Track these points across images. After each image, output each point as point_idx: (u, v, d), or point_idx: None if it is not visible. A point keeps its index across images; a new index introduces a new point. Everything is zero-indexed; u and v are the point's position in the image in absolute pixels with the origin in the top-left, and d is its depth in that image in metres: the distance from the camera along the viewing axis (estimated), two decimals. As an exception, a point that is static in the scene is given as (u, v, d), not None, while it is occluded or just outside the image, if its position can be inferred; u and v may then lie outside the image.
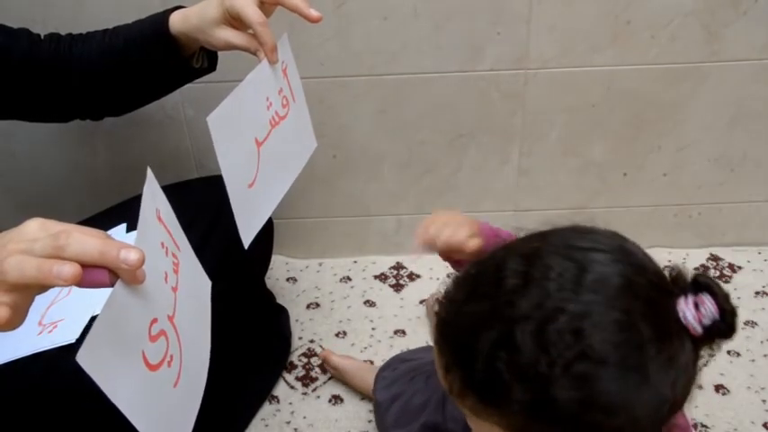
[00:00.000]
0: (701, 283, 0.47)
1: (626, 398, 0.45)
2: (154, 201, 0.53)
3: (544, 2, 1.06)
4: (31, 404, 0.75)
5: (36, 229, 0.48)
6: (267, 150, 0.77)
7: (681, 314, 0.46)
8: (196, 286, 0.63)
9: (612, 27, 1.08)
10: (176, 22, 0.78)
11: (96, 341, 0.44)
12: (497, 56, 1.11)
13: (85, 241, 0.45)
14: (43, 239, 0.46)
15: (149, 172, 0.53)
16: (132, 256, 0.45)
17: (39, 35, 0.84)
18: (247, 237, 0.76)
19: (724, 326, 0.46)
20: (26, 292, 0.46)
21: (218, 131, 0.67)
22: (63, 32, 0.85)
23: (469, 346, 0.48)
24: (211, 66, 0.85)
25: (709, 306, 0.46)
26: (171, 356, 0.54)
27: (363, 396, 1.04)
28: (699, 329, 0.46)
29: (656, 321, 0.46)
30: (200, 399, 0.64)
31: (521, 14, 1.07)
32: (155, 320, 0.51)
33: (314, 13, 0.77)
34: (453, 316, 0.52)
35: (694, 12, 1.06)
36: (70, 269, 0.44)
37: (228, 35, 0.76)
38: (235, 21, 0.75)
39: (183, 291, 0.57)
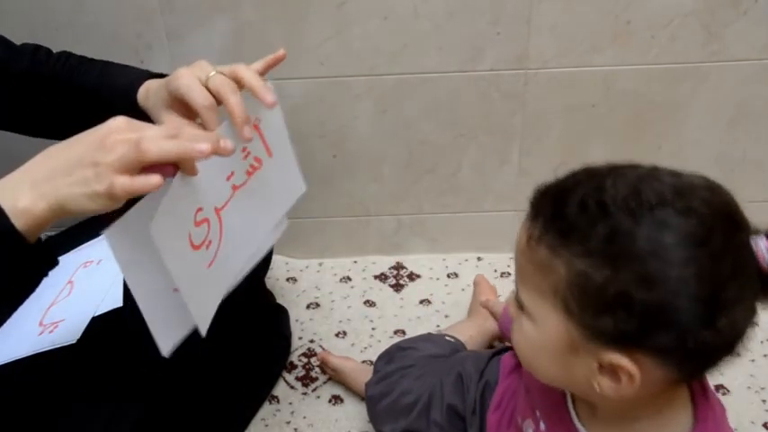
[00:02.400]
0: None
1: (686, 273, 0.48)
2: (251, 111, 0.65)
3: (544, 2, 1.06)
4: (32, 404, 0.76)
5: (127, 124, 0.56)
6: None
7: (754, 245, 0.51)
8: (273, 190, 0.75)
9: (612, 27, 1.08)
10: (141, 96, 0.75)
11: (162, 219, 0.54)
12: (497, 56, 1.11)
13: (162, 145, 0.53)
14: (153, 129, 0.55)
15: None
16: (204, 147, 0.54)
17: (48, 51, 0.84)
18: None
19: None
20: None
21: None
22: (63, 36, 0.85)
23: (568, 189, 0.53)
24: None
25: None
26: (210, 241, 0.63)
27: (363, 397, 1.04)
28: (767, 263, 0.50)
29: (733, 238, 0.51)
30: (229, 286, 0.71)
31: (521, 14, 1.07)
32: (200, 209, 0.61)
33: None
34: (557, 181, 0.56)
35: (694, 12, 1.06)
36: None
37: (170, 121, 0.70)
38: (180, 105, 0.69)
39: (248, 191, 0.69)
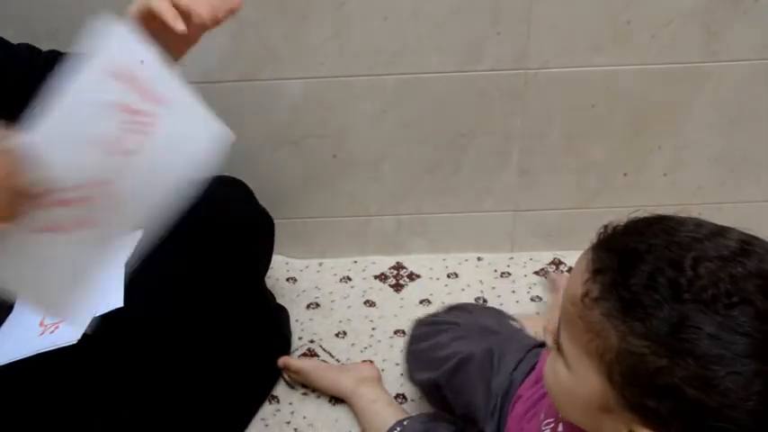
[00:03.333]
0: None
1: (751, 388, 0.44)
2: (114, 55, 0.52)
3: (544, 2, 1.06)
4: (32, 404, 0.76)
5: None
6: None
7: None
8: (183, 138, 0.63)
9: (612, 27, 1.08)
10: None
11: None
12: (497, 56, 1.11)
13: None
14: None
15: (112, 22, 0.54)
16: None
17: (39, 51, 0.83)
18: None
19: None
20: None
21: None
22: (65, 33, 0.85)
23: (639, 254, 0.47)
24: None
25: None
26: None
27: (331, 398, 1.04)
28: None
29: None
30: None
31: (521, 14, 1.07)
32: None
33: (180, 26, 0.64)
34: (627, 231, 0.51)
35: (694, 12, 1.06)
36: None
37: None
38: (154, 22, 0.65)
39: (151, 152, 0.59)
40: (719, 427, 0.45)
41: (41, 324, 0.79)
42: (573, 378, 0.53)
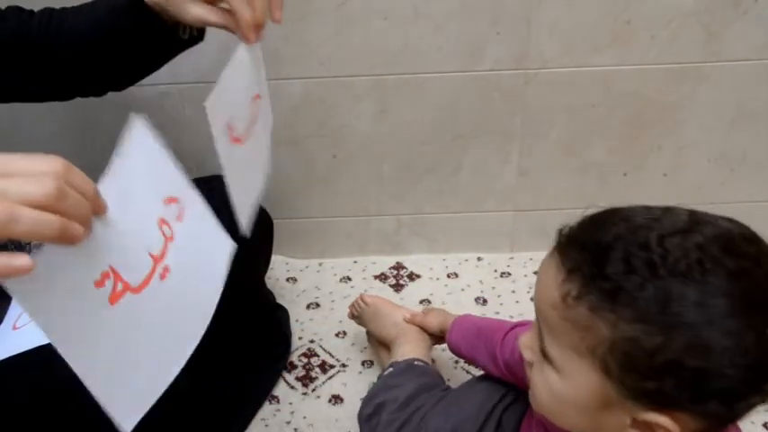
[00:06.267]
0: None
1: (743, 343, 0.46)
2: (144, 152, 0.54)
3: (544, 2, 1.06)
4: (32, 403, 0.75)
5: None
6: (254, 136, 0.74)
7: None
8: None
9: (612, 27, 1.08)
10: None
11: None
12: (497, 56, 1.11)
13: (80, 200, 0.44)
14: (20, 180, 0.42)
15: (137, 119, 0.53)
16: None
17: (31, 12, 0.81)
18: (247, 217, 0.74)
19: None
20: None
21: (214, 118, 0.63)
22: (58, 6, 0.84)
23: (607, 244, 0.49)
24: (200, 35, 0.80)
25: None
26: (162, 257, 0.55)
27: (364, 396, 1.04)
28: None
29: None
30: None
31: (521, 14, 1.07)
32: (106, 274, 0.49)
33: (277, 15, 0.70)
34: (586, 228, 0.52)
35: (694, 12, 1.06)
36: (81, 232, 0.44)
37: (200, 11, 0.69)
38: None
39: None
40: (722, 387, 0.46)
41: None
42: (566, 383, 0.53)
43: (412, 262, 1.32)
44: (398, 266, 1.31)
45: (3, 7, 0.81)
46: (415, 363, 0.91)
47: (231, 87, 0.67)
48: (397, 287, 1.27)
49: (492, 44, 1.10)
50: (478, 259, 1.31)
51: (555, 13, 1.07)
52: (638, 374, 0.48)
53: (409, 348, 0.95)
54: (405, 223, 1.30)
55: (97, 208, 0.47)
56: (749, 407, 0.49)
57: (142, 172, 0.55)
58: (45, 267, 0.43)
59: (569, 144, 1.19)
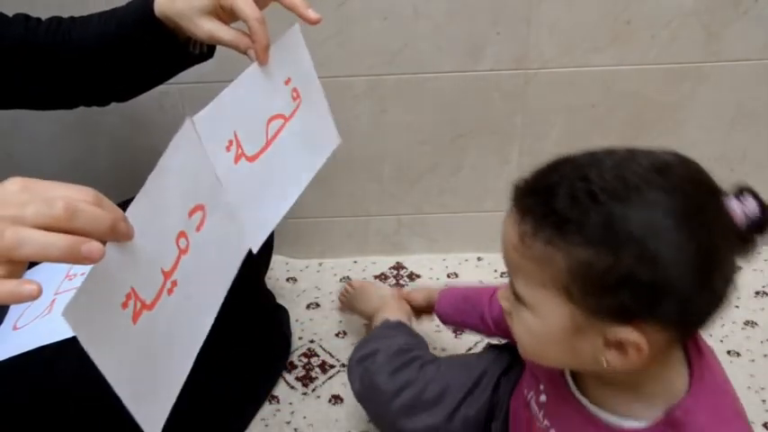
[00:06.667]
0: (745, 188, 0.56)
1: (684, 246, 0.50)
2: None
3: (544, 2, 1.06)
4: (32, 403, 0.75)
5: (18, 191, 0.45)
6: (268, 157, 0.73)
7: (729, 207, 0.54)
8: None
9: (612, 27, 1.08)
10: (162, 4, 0.72)
11: (82, 300, 0.45)
12: (497, 56, 1.11)
13: (97, 216, 0.45)
14: (34, 205, 0.44)
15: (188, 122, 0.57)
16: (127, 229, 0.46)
17: (38, 19, 0.82)
18: (257, 239, 0.74)
19: (764, 218, 0.54)
20: (24, 263, 0.45)
21: (205, 133, 0.63)
22: (66, 14, 0.84)
23: (554, 184, 0.54)
24: (210, 52, 0.81)
25: (752, 202, 0.54)
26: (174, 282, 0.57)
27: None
28: (743, 220, 0.54)
29: (714, 205, 0.54)
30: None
31: (521, 14, 1.07)
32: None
33: (312, 14, 0.72)
34: (536, 176, 0.57)
35: (694, 12, 1.06)
36: (100, 250, 0.44)
37: (214, 28, 0.70)
38: (224, 13, 0.70)
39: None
40: (673, 290, 0.50)
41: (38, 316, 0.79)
42: (539, 318, 0.57)
43: (412, 262, 1.32)
44: (398, 266, 1.31)
45: (10, 14, 0.81)
46: (405, 324, 0.96)
47: (235, 104, 0.67)
48: (397, 287, 1.26)
49: (492, 44, 1.10)
50: (478, 259, 1.31)
51: (555, 13, 1.07)
52: (597, 294, 0.52)
53: (391, 313, 0.99)
54: (405, 223, 1.30)
55: (123, 235, 0.48)
56: (705, 312, 0.54)
57: (177, 182, 0.57)
58: (84, 294, 0.45)
59: (569, 144, 1.18)
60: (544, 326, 0.56)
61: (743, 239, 0.54)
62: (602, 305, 0.52)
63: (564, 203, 0.52)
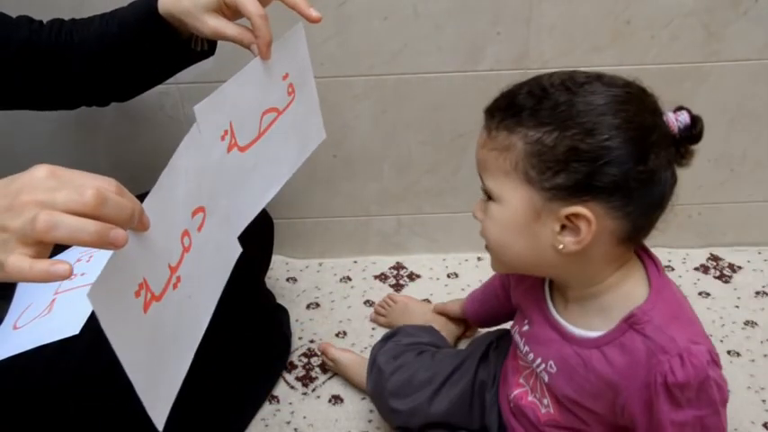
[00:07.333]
0: (683, 107, 0.66)
1: (617, 121, 0.60)
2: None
3: (544, 2, 1.06)
4: (32, 403, 0.75)
5: (46, 177, 0.48)
6: (258, 148, 0.75)
7: (665, 117, 0.64)
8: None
9: (612, 27, 1.08)
10: (167, 2, 0.74)
11: (104, 284, 0.47)
12: (497, 56, 1.11)
13: (121, 204, 0.47)
14: (65, 191, 0.47)
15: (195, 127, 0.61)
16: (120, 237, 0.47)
17: (40, 22, 0.83)
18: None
19: (694, 130, 0.66)
20: (50, 245, 0.47)
21: (204, 122, 0.65)
22: (67, 17, 0.85)
23: (516, 89, 0.65)
24: (211, 49, 0.82)
25: (685, 115, 0.65)
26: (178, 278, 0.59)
27: (364, 396, 1.04)
28: (676, 128, 0.64)
29: (649, 105, 0.64)
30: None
31: (521, 14, 1.07)
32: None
33: (314, 13, 0.74)
34: (505, 91, 0.67)
35: (694, 12, 1.06)
36: (125, 237, 0.47)
37: (219, 24, 0.72)
38: (228, 10, 0.72)
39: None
40: (613, 159, 0.59)
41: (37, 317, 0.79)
42: (504, 207, 0.65)
43: (412, 262, 1.32)
44: (398, 266, 1.31)
45: (13, 16, 0.82)
46: (438, 332, 1.04)
47: (235, 95, 0.69)
48: (397, 287, 1.27)
49: (492, 44, 1.10)
50: (478, 259, 1.31)
51: (555, 13, 1.07)
52: (550, 171, 0.61)
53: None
54: (405, 223, 1.30)
55: (140, 225, 0.51)
56: (647, 204, 0.63)
57: (184, 182, 0.60)
58: (105, 278, 0.47)
59: (569, 144, 1.19)
60: (508, 214, 0.65)
61: (677, 146, 0.64)
62: (555, 184, 0.61)
63: (522, 98, 0.63)
